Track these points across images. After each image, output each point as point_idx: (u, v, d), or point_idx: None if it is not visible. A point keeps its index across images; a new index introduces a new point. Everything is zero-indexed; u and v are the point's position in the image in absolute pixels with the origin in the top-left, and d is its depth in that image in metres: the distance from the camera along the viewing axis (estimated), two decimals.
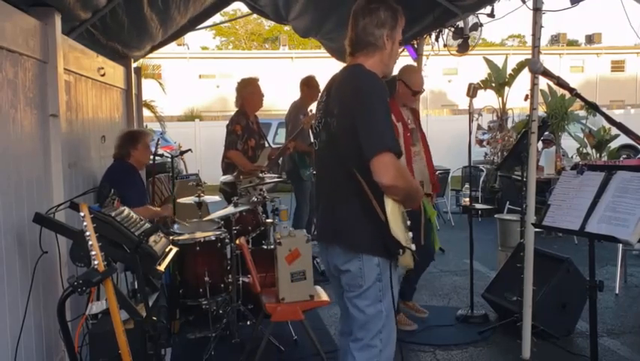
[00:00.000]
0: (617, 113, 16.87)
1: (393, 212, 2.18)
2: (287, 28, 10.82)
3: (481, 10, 4.60)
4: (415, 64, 5.69)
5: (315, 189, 2.68)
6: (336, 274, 2.43)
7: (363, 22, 2.31)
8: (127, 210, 2.78)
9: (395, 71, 4.29)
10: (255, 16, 11.44)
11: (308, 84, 6.13)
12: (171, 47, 20.43)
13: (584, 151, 9.83)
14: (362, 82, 2.25)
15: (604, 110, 2.64)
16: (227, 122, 5.24)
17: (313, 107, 6.14)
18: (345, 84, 2.31)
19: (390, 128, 2.20)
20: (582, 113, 10.78)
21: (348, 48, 2.40)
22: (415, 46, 5.86)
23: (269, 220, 4.58)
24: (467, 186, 8.68)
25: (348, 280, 2.34)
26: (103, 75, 4.42)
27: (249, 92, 5.19)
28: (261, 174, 4.54)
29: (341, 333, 2.65)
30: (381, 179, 2.11)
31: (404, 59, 5.49)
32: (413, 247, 2.25)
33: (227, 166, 5.12)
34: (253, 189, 4.56)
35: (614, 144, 9.65)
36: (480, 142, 10.13)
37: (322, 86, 6.50)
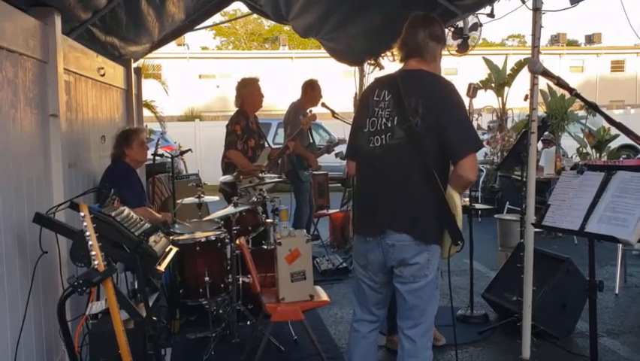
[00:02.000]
0: (616, 113, 16.89)
1: (459, 206, 2.47)
2: (287, 28, 10.82)
3: (481, 10, 4.58)
4: None
5: (366, 182, 2.68)
6: (397, 267, 2.52)
7: (424, 33, 2.55)
8: (127, 210, 2.78)
9: None
10: (255, 16, 11.45)
11: (313, 87, 6.13)
12: (171, 47, 20.43)
13: (584, 151, 9.81)
14: (447, 86, 2.52)
15: (604, 110, 2.64)
16: (227, 122, 5.24)
17: (313, 109, 6.15)
18: (428, 85, 2.51)
19: (474, 128, 2.53)
20: (582, 113, 10.76)
21: (400, 52, 2.63)
22: None
23: (269, 220, 4.58)
24: None
25: (414, 272, 2.50)
26: (103, 75, 4.41)
27: (248, 91, 5.19)
28: (260, 174, 4.54)
29: (359, 320, 2.78)
30: (469, 175, 2.40)
31: None
32: None
33: (227, 166, 5.12)
34: (253, 189, 4.56)
35: (614, 144, 9.63)
36: None
37: (323, 87, 6.46)
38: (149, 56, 7.78)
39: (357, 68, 6.96)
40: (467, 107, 4.58)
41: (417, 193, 2.47)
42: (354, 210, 2.81)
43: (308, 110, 6.01)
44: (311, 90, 6.11)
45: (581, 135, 10.01)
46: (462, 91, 4.92)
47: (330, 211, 7.08)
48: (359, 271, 2.72)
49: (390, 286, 2.66)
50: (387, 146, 2.51)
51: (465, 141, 2.40)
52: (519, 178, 4.18)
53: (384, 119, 2.53)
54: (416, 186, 2.46)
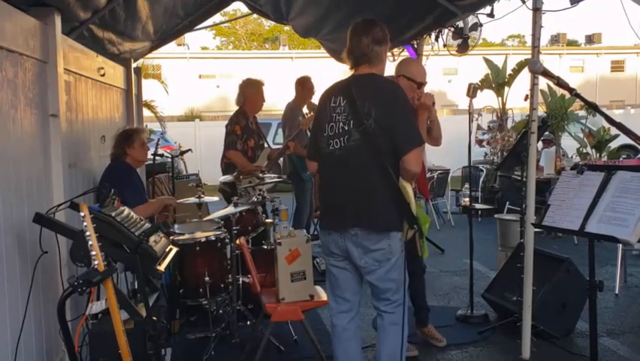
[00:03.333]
0: (616, 113, 16.88)
1: (411, 195, 2.70)
2: (287, 28, 10.81)
3: (481, 10, 4.59)
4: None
5: (329, 182, 2.85)
6: (361, 256, 2.73)
7: (367, 40, 2.72)
8: (127, 210, 2.78)
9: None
10: (255, 16, 11.44)
11: (303, 84, 6.10)
12: (171, 47, 20.43)
13: (584, 151, 9.81)
14: (395, 88, 2.79)
15: (604, 110, 2.64)
16: (227, 122, 5.24)
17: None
18: (378, 89, 2.72)
19: (418, 127, 2.79)
20: (582, 113, 10.76)
21: (349, 61, 2.80)
22: (415, 46, 5.86)
23: (269, 220, 4.58)
24: (467, 186, 8.68)
25: (379, 257, 2.71)
26: (103, 75, 4.41)
27: (252, 92, 5.19)
28: (260, 175, 4.54)
29: (336, 313, 2.93)
30: (415, 168, 2.64)
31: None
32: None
33: (227, 166, 5.12)
34: (253, 189, 4.56)
35: (614, 144, 9.62)
36: (480, 142, 10.13)
37: (319, 85, 6.51)
38: (149, 56, 7.78)
39: None
40: (467, 107, 4.61)
41: (376, 189, 2.67)
42: (320, 207, 2.94)
43: (307, 111, 6.00)
44: (301, 88, 6.09)
45: (581, 135, 10.01)
46: (462, 91, 4.96)
47: None
48: (327, 260, 2.92)
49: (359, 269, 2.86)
50: (346, 148, 2.72)
51: (409, 139, 2.64)
52: (519, 178, 4.18)
53: (341, 123, 2.73)
54: (374, 182, 2.67)
